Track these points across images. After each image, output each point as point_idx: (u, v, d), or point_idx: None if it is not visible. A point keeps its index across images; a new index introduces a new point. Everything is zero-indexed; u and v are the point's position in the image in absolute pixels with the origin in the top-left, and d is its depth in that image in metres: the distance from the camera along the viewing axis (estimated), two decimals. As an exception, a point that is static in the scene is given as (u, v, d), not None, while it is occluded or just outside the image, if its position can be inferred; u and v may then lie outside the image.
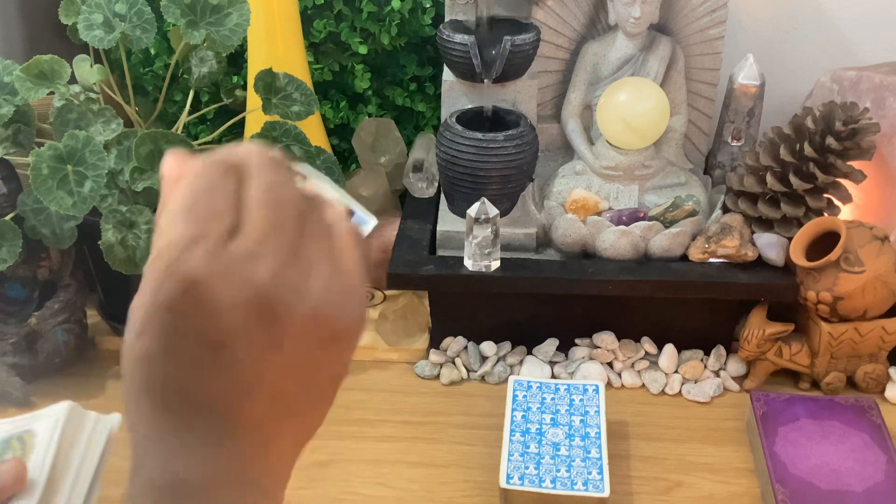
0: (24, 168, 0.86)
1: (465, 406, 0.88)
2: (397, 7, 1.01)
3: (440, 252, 0.94)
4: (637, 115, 0.91)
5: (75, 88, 0.92)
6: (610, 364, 0.92)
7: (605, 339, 0.91)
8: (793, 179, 0.87)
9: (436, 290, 0.92)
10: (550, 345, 0.93)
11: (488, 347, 0.93)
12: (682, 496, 0.77)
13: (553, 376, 0.91)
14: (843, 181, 0.88)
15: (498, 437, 0.81)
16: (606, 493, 0.73)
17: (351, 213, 0.41)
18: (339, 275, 0.38)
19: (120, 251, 0.82)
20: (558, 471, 0.75)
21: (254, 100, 0.92)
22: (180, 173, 0.38)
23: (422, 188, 1.02)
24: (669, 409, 0.87)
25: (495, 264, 0.88)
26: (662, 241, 0.88)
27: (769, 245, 0.87)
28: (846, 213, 0.91)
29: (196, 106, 1.05)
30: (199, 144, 0.92)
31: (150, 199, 0.86)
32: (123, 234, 0.82)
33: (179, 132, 0.88)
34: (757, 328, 0.86)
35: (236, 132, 1.09)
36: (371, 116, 1.09)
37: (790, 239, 0.86)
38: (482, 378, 0.91)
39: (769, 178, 0.88)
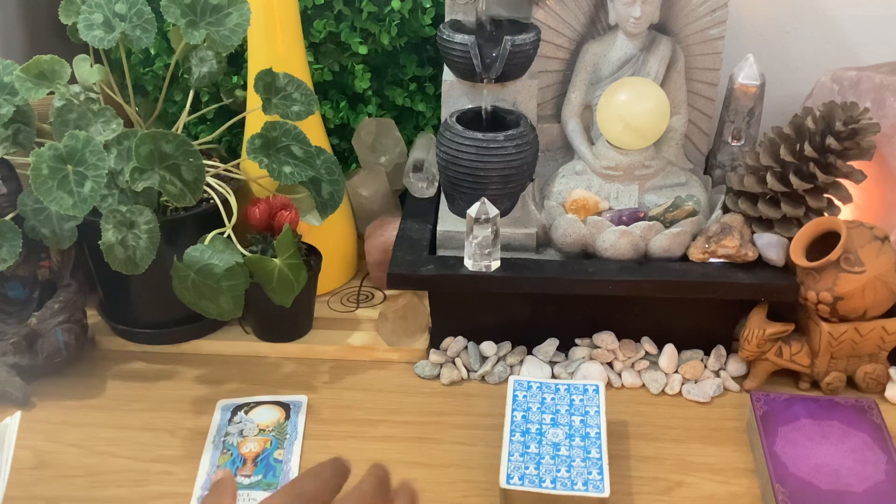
0: (24, 168, 0.86)
1: (465, 406, 0.88)
2: (397, 7, 1.01)
3: (440, 252, 0.94)
4: (637, 115, 0.91)
5: (75, 88, 0.92)
6: (610, 364, 0.92)
7: (605, 339, 0.91)
8: (793, 179, 0.87)
9: (436, 290, 0.92)
10: (550, 345, 0.93)
11: (488, 347, 0.93)
12: (682, 496, 0.77)
13: (553, 376, 0.91)
14: (843, 181, 0.88)
15: (498, 437, 0.81)
16: (606, 493, 0.73)
17: None
18: None
19: (120, 251, 0.82)
20: (558, 471, 0.75)
21: (254, 100, 0.92)
22: None
23: (422, 188, 1.02)
24: (669, 409, 0.87)
25: (495, 264, 0.88)
26: (662, 241, 0.88)
27: (769, 245, 0.87)
28: (846, 213, 0.91)
29: (196, 106, 1.05)
30: (199, 144, 0.92)
31: (150, 198, 0.86)
32: (123, 234, 0.82)
33: (179, 132, 0.88)
34: (757, 328, 0.86)
35: (236, 132, 1.09)
36: (371, 116, 1.09)
37: (790, 239, 0.87)
38: (482, 378, 0.91)
39: (769, 178, 0.88)
